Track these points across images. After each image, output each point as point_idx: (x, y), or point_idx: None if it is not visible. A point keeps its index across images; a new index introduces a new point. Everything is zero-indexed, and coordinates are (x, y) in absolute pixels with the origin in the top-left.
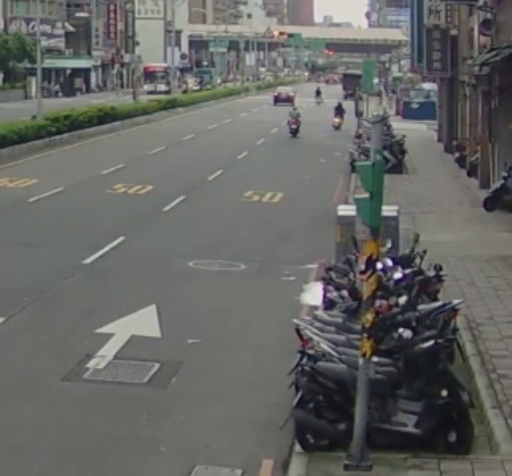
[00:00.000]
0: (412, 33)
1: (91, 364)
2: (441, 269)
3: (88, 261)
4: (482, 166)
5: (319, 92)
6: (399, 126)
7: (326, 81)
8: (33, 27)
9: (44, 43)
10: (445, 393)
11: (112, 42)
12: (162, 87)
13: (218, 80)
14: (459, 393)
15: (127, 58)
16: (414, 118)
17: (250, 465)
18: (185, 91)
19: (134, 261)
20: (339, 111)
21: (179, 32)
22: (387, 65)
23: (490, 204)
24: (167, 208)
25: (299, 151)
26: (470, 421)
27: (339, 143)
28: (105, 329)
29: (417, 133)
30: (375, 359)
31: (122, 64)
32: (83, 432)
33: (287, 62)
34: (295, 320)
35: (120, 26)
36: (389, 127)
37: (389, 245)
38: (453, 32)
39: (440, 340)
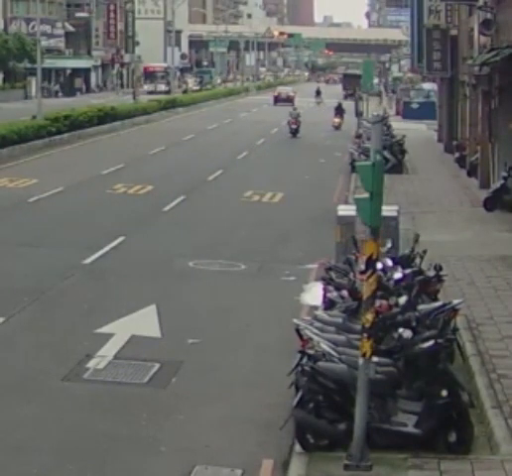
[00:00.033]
0: (412, 33)
1: (91, 364)
2: (441, 269)
3: (88, 261)
4: (482, 166)
5: (319, 92)
6: (399, 126)
7: (326, 81)
8: (33, 27)
9: (44, 43)
10: (445, 393)
11: (112, 42)
12: (162, 87)
13: (218, 80)
14: (459, 393)
15: (127, 58)
16: (414, 118)
17: (250, 465)
18: (185, 91)
19: (134, 261)
20: (339, 111)
21: (179, 32)
22: (387, 65)
23: (490, 204)
24: (167, 208)
25: (299, 151)
26: (470, 421)
27: (339, 143)
28: (105, 329)
29: (417, 133)
30: (375, 359)
31: (122, 64)
32: (83, 432)
33: (287, 63)
34: (295, 320)
35: (120, 26)
36: (389, 127)
37: (389, 245)
38: (453, 32)
39: (440, 340)
